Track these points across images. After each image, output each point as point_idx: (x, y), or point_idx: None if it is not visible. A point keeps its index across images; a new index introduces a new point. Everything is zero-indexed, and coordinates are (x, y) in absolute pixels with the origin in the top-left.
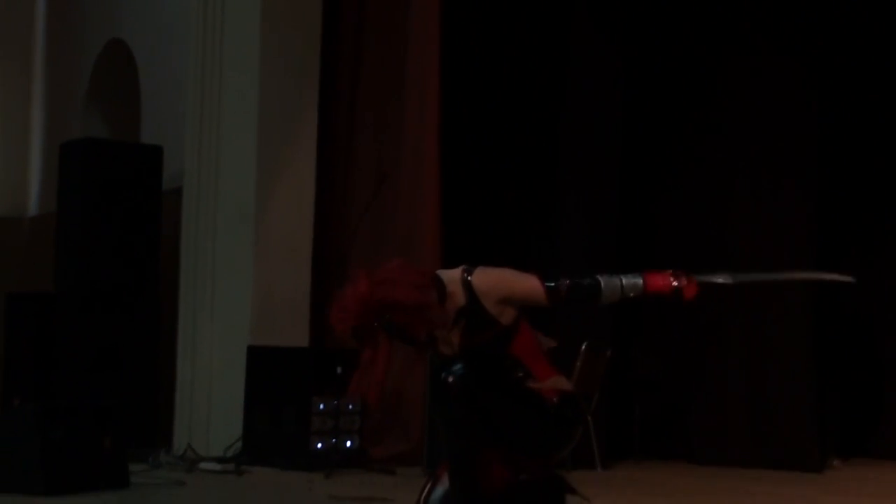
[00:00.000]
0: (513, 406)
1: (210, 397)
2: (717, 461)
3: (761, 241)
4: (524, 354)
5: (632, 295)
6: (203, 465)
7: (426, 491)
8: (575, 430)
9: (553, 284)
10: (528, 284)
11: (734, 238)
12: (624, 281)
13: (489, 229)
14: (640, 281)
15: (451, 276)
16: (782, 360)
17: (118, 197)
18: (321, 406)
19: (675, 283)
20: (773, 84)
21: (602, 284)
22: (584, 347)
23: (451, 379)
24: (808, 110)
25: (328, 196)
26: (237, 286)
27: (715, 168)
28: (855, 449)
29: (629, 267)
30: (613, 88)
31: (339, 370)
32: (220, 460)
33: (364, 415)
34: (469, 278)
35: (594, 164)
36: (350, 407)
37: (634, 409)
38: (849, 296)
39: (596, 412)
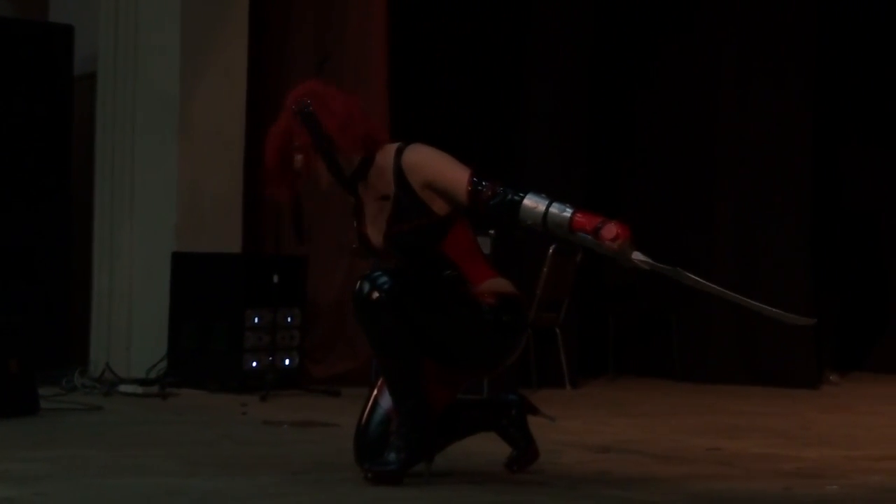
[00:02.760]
0: (445, 316)
1: (131, 311)
2: (701, 377)
3: (744, 162)
4: (458, 253)
5: (557, 230)
6: (123, 388)
7: (365, 416)
8: (516, 339)
9: (482, 184)
10: (456, 175)
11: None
12: (552, 209)
13: (442, 128)
14: (567, 214)
15: (388, 147)
16: (776, 265)
17: (24, 82)
18: (255, 320)
19: (599, 226)
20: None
21: (522, 204)
22: (551, 250)
23: (375, 294)
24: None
25: (262, 81)
26: (160, 183)
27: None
28: (853, 363)
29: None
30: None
31: (275, 279)
32: (142, 382)
33: (304, 329)
34: (403, 150)
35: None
36: (288, 320)
37: (608, 319)
38: (849, 200)
39: (565, 323)
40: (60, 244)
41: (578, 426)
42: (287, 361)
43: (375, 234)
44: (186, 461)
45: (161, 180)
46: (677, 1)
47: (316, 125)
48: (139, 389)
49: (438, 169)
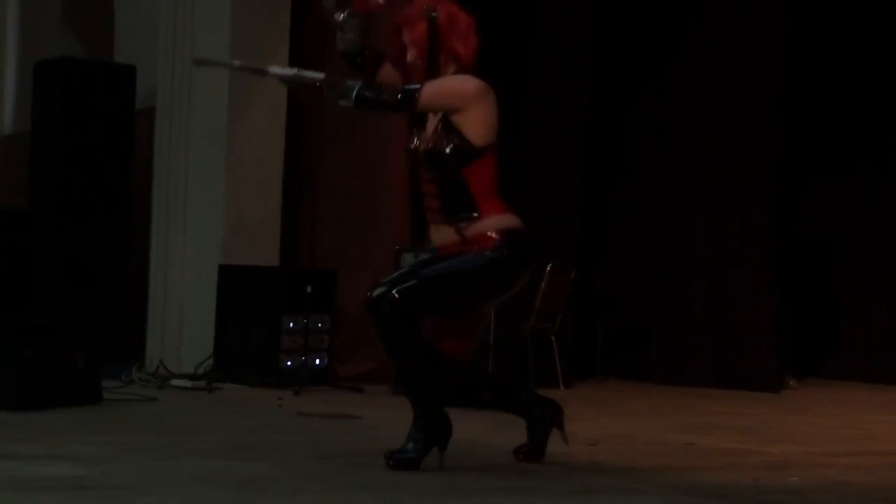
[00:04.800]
0: (449, 283)
1: (182, 315)
2: (676, 381)
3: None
4: (476, 183)
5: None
6: (174, 382)
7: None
8: (518, 270)
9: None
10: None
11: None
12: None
13: None
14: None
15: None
16: (744, 281)
17: (92, 115)
18: (290, 325)
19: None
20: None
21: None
22: (548, 268)
23: (379, 306)
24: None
25: (299, 117)
26: (209, 205)
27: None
28: (809, 370)
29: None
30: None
31: (308, 289)
32: (191, 377)
33: (333, 334)
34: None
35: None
36: (319, 325)
37: (597, 329)
38: (810, 219)
39: (560, 332)
40: (121, 256)
41: (571, 422)
42: (317, 361)
43: (423, 143)
44: (230, 446)
45: (210, 202)
46: (662, 37)
47: (435, 29)
48: (188, 383)
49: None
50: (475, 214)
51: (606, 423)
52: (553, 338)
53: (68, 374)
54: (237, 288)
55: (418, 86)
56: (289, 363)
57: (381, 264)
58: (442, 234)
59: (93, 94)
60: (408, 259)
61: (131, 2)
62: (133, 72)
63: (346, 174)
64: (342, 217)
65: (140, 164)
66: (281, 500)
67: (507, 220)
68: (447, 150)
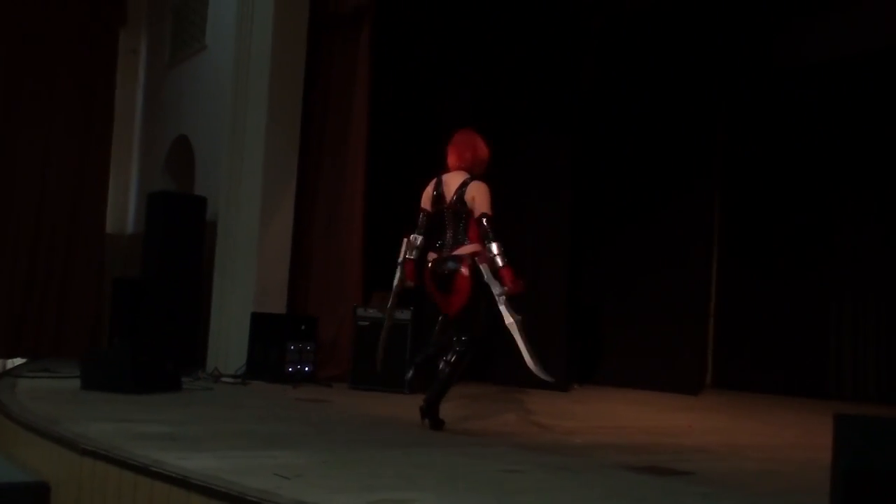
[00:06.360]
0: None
1: (229, 340)
2: (493, 381)
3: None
4: (472, 232)
5: (492, 266)
6: (224, 379)
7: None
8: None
9: (483, 220)
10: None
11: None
12: (497, 257)
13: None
14: (500, 264)
15: (462, 173)
16: (543, 306)
17: (181, 225)
18: (292, 347)
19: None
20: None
21: (489, 245)
22: (440, 319)
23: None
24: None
25: (300, 225)
26: (247, 276)
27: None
28: (586, 376)
29: None
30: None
31: (302, 327)
32: (233, 377)
33: (316, 352)
34: (469, 181)
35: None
36: (308, 348)
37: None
38: (592, 265)
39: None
40: (195, 307)
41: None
42: (307, 368)
43: (448, 204)
44: (256, 417)
45: (247, 276)
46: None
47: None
48: (231, 380)
49: (480, 200)
50: None
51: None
52: None
53: (163, 372)
54: (261, 325)
55: (493, 245)
56: (290, 369)
57: (344, 314)
58: None
59: (181, 213)
60: (360, 312)
61: (205, 159)
62: (204, 201)
63: (326, 259)
64: (321, 284)
65: (208, 254)
66: (294, 451)
67: (477, 248)
68: (461, 212)
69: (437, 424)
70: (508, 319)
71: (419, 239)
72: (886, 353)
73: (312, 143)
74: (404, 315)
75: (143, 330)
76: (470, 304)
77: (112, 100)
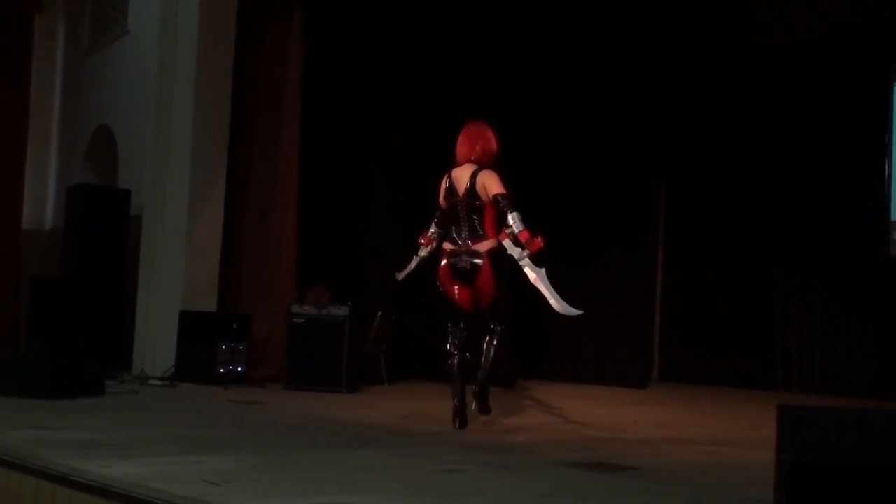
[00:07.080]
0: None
1: (156, 341)
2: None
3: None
4: (489, 221)
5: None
6: (150, 382)
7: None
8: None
9: (499, 199)
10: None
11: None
12: (516, 222)
13: (332, 251)
14: (520, 227)
15: (471, 164)
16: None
17: (103, 220)
18: (223, 347)
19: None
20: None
21: (509, 214)
22: (379, 314)
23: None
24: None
25: (231, 219)
26: (174, 272)
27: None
28: (531, 372)
29: None
30: None
31: (234, 325)
32: (161, 379)
33: (249, 352)
34: (478, 171)
35: None
36: (240, 348)
37: (408, 353)
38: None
39: (385, 352)
40: (119, 305)
41: (387, 401)
42: (239, 369)
43: (461, 198)
44: (184, 421)
45: (174, 272)
46: None
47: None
48: (159, 382)
49: (491, 185)
50: None
51: (411, 404)
52: (381, 355)
53: (84, 375)
54: (190, 324)
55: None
56: (221, 370)
57: (278, 312)
58: None
59: (103, 207)
60: (294, 309)
61: (128, 148)
62: (129, 193)
63: (259, 253)
64: (255, 281)
65: (132, 249)
66: (224, 455)
67: (496, 242)
68: (476, 203)
69: (488, 409)
70: (532, 275)
71: (435, 235)
72: (832, 343)
73: (243, 133)
74: (341, 311)
75: (62, 331)
76: (498, 292)
77: (28, 88)
